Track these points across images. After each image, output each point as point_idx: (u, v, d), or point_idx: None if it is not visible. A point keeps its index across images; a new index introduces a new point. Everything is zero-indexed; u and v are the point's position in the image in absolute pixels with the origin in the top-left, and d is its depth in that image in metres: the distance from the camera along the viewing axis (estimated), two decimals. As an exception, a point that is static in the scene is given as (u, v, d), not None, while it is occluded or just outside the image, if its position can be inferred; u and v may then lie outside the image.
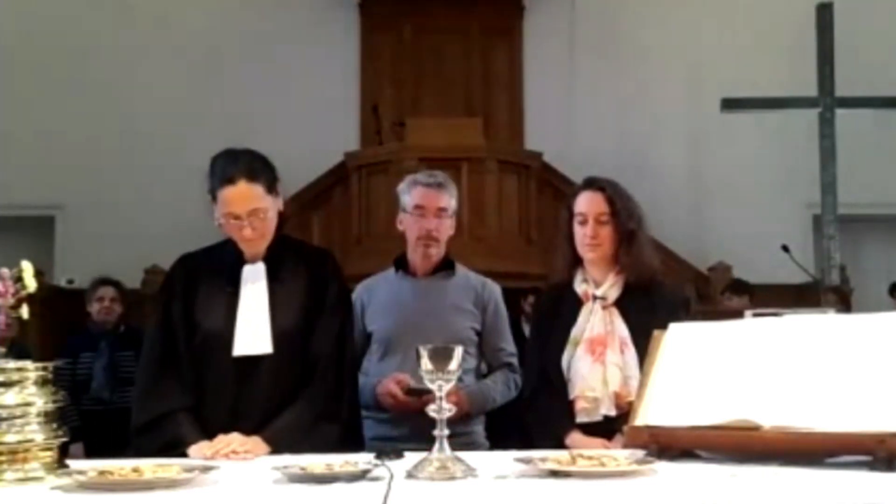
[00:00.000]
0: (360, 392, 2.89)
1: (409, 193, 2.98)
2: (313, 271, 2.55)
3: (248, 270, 2.50)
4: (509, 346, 3.03)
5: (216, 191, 2.42)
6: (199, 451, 2.30)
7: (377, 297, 3.01)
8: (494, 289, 3.04)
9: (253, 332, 2.44)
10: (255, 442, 2.33)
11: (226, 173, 2.42)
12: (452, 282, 3.00)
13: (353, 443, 2.43)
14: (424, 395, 2.55)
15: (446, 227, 2.98)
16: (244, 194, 2.40)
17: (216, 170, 2.45)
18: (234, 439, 2.31)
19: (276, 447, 2.30)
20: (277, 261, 2.52)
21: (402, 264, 3.03)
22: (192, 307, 2.48)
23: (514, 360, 3.02)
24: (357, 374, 2.73)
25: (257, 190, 2.42)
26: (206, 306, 2.48)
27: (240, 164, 2.43)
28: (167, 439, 2.36)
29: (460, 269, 3.04)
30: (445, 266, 3.01)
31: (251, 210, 2.41)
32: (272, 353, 2.44)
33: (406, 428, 2.76)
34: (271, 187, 2.46)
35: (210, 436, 2.35)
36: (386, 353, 2.92)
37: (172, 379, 2.44)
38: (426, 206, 2.94)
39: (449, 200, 2.98)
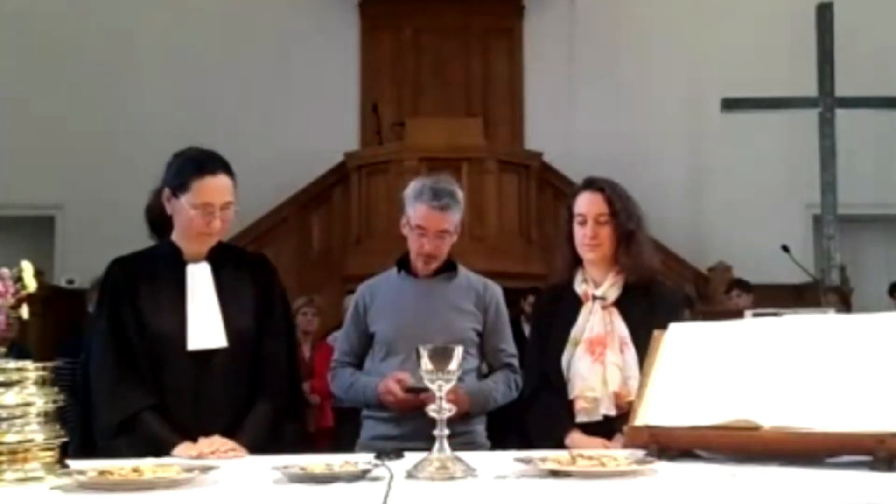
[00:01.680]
0: (363, 391, 2.92)
1: (413, 207, 2.91)
2: (256, 275, 2.61)
3: (192, 269, 2.52)
4: (510, 347, 3.03)
5: (192, 181, 2.45)
6: (184, 451, 2.31)
7: (379, 297, 3.00)
8: (496, 290, 3.04)
9: (206, 328, 2.47)
10: (236, 444, 2.36)
11: (206, 165, 2.48)
12: (454, 283, 3.00)
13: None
14: (424, 392, 2.55)
15: (447, 245, 2.96)
16: (223, 185, 2.48)
17: (190, 162, 2.50)
18: (216, 441, 2.34)
19: (252, 449, 2.35)
20: (218, 262, 2.55)
21: (404, 265, 3.02)
22: (137, 308, 2.48)
23: (515, 361, 3.02)
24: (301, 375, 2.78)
25: (231, 183, 2.50)
26: (154, 306, 2.48)
27: (216, 157, 2.52)
28: (145, 440, 2.34)
29: (462, 270, 3.04)
30: (447, 267, 3.01)
31: (225, 202, 2.47)
32: (226, 349, 2.47)
33: (407, 427, 2.75)
34: (235, 187, 2.53)
35: (179, 434, 2.37)
36: (388, 353, 2.92)
37: (134, 379, 2.43)
38: (427, 229, 2.89)
39: (452, 220, 2.93)
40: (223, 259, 2.57)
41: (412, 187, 2.96)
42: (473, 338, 2.93)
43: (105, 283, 2.56)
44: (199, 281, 2.51)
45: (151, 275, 2.52)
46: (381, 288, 3.04)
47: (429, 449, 1.89)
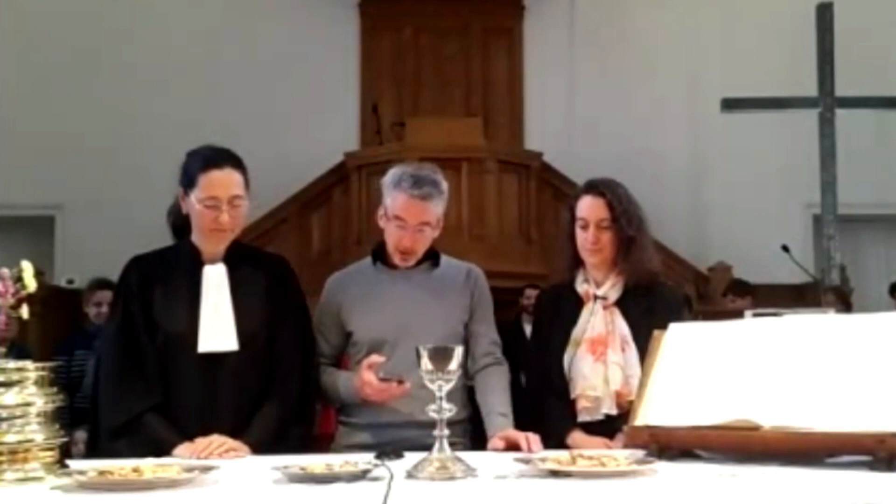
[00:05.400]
0: (333, 387, 2.71)
1: (392, 196, 2.69)
2: (272, 276, 2.59)
3: (208, 270, 2.51)
4: (492, 331, 2.80)
5: (198, 176, 2.45)
6: (183, 452, 2.30)
7: (353, 292, 2.75)
8: (479, 273, 2.83)
9: (217, 330, 2.45)
10: (237, 443, 2.35)
11: (212, 159, 2.47)
12: (437, 273, 2.77)
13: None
14: (399, 383, 2.50)
15: (427, 238, 2.73)
16: (230, 179, 2.46)
17: (198, 158, 2.49)
18: (214, 440, 2.33)
19: (257, 450, 2.34)
20: (235, 263, 2.54)
21: (380, 255, 2.79)
22: (150, 308, 2.47)
23: (498, 351, 2.79)
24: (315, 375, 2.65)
25: (239, 178, 2.49)
26: (167, 307, 2.47)
27: (225, 153, 2.51)
28: (147, 442, 2.34)
29: (443, 258, 2.81)
30: (428, 256, 2.77)
31: (233, 196, 2.46)
32: (237, 352, 2.45)
33: (384, 437, 2.56)
34: (247, 184, 2.52)
35: (183, 435, 2.37)
36: (371, 353, 2.64)
37: (139, 379, 2.42)
38: (407, 221, 2.66)
39: (434, 212, 2.69)
40: (240, 260, 2.55)
41: (391, 174, 2.73)
42: (462, 331, 2.74)
43: (121, 281, 2.56)
44: (214, 282, 2.50)
45: (168, 274, 2.52)
46: (353, 281, 2.79)
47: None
